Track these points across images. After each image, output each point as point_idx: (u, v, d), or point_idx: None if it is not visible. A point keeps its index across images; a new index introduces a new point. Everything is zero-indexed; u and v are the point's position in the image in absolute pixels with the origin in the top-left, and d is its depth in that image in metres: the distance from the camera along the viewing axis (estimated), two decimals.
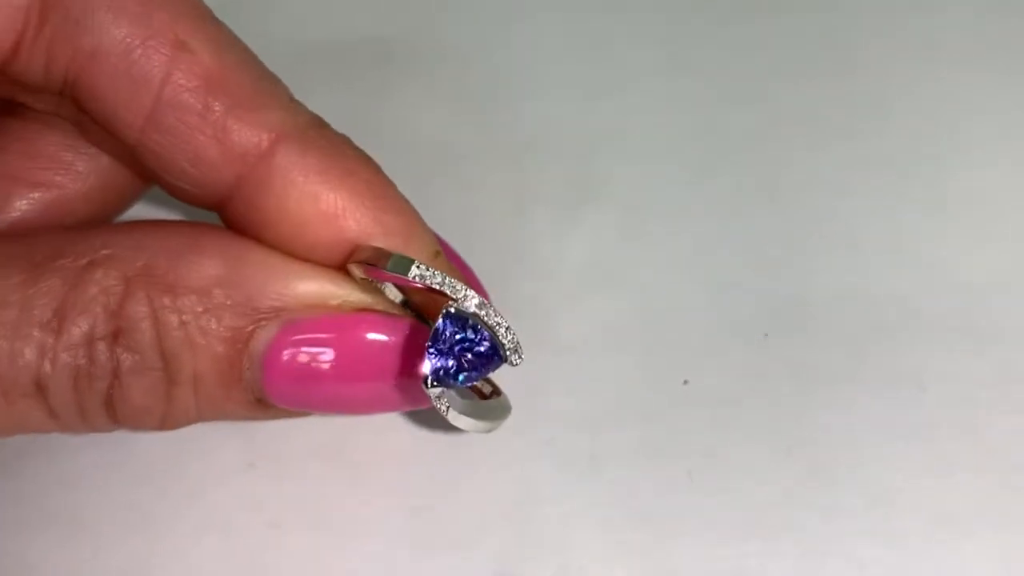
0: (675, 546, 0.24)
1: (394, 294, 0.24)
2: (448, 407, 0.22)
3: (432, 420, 0.26)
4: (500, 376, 0.25)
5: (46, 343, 0.21)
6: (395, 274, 0.21)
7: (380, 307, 0.23)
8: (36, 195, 0.24)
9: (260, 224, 0.23)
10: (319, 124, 0.23)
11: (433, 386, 0.21)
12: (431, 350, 0.21)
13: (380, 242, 0.22)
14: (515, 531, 0.24)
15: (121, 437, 0.26)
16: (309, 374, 0.22)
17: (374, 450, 0.26)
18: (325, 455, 0.26)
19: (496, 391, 0.25)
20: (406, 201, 0.23)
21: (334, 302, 0.22)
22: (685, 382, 0.27)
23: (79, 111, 0.23)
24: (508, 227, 0.29)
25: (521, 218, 0.29)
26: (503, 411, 0.24)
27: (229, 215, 0.23)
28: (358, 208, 0.22)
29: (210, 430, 0.26)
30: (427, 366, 0.21)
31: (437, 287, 0.21)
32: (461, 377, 0.22)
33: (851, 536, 0.24)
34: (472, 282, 0.25)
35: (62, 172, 0.25)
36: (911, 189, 0.30)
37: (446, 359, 0.21)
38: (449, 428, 0.23)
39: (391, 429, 0.26)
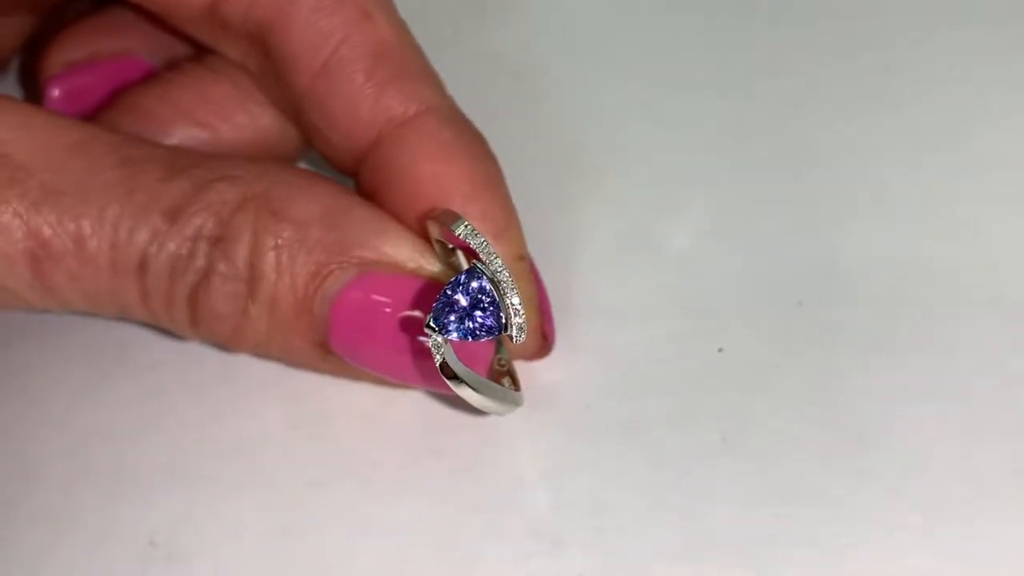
0: (710, 509, 0.24)
1: None
2: (443, 357, 0.22)
3: None
4: None
5: (160, 229, 0.23)
6: (451, 232, 0.22)
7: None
8: (196, 131, 0.27)
9: (384, 182, 0.25)
10: (462, 113, 0.26)
11: (431, 331, 0.22)
12: (443, 298, 0.22)
13: (476, 225, 0.23)
14: (552, 494, 0.25)
15: (163, 394, 0.26)
16: (369, 325, 0.23)
17: (415, 414, 0.26)
18: (367, 417, 0.26)
19: (514, 382, 0.25)
20: (511, 202, 0.25)
21: (411, 265, 0.24)
22: (720, 350, 0.27)
23: (263, 58, 0.26)
24: (541, 195, 0.29)
25: (555, 186, 0.29)
26: (509, 399, 0.24)
27: (361, 176, 0.26)
28: (470, 190, 0.24)
29: (253, 390, 0.26)
30: (432, 311, 0.22)
31: (473, 246, 0.22)
32: (459, 329, 0.22)
33: (883, 500, 0.24)
34: (542, 298, 0.26)
35: (223, 119, 0.27)
36: (945, 156, 0.30)
37: (450, 309, 0.22)
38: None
39: (432, 394, 0.26)
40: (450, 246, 0.24)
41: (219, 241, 0.23)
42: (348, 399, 0.26)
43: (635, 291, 0.28)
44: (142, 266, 0.23)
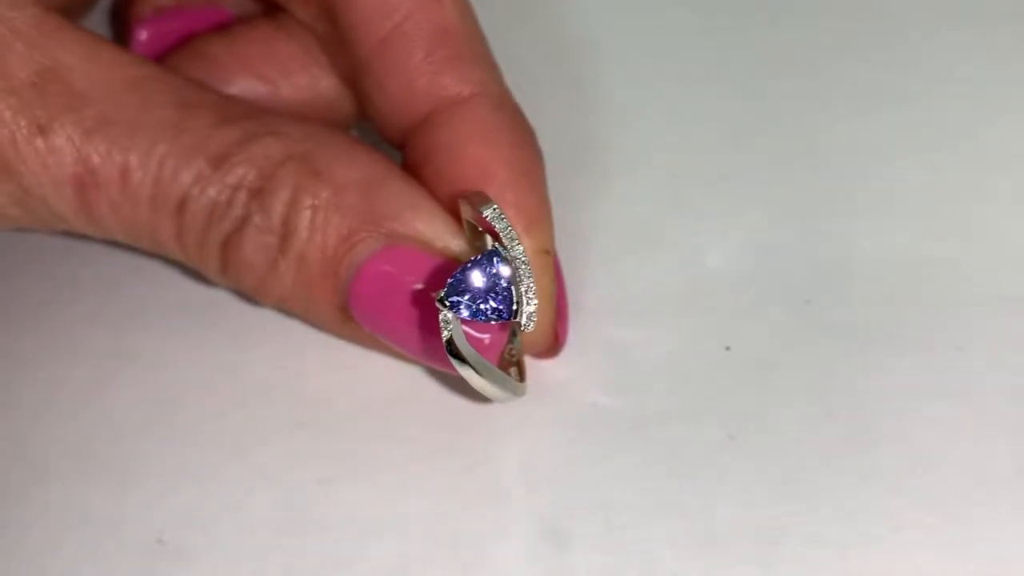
0: (716, 506, 0.24)
1: None
2: (451, 334, 0.22)
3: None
4: None
5: (204, 173, 0.24)
6: (479, 213, 0.22)
7: None
8: (256, 84, 0.28)
9: (427, 158, 0.25)
10: (515, 103, 0.26)
11: (443, 304, 0.22)
12: (458, 274, 0.22)
13: (510, 213, 0.24)
14: (560, 490, 0.25)
15: (171, 392, 0.26)
16: (390, 296, 0.24)
17: (422, 412, 0.26)
18: (374, 416, 0.26)
19: (521, 377, 0.25)
20: (547, 196, 0.25)
21: (439, 244, 0.24)
22: (727, 348, 0.27)
23: (330, 24, 0.26)
24: (551, 189, 0.28)
25: (562, 184, 0.29)
26: (510, 387, 0.24)
27: (408, 149, 0.26)
28: (509, 178, 0.24)
29: (260, 389, 0.26)
30: (445, 287, 0.22)
31: (496, 229, 0.22)
32: (469, 305, 0.22)
33: (890, 498, 0.24)
34: (560, 297, 0.26)
35: (284, 76, 0.28)
36: (953, 153, 0.30)
37: (466, 286, 0.22)
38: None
39: (440, 392, 0.26)
40: (479, 228, 0.24)
41: (259, 193, 0.24)
42: (355, 398, 0.26)
43: (642, 289, 0.28)
44: (181, 206, 0.24)
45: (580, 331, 0.27)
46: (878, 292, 0.27)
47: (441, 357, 0.23)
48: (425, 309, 0.24)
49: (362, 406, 0.26)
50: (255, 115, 0.25)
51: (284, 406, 0.26)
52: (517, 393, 0.24)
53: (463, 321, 0.23)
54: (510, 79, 0.26)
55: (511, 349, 0.25)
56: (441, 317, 0.22)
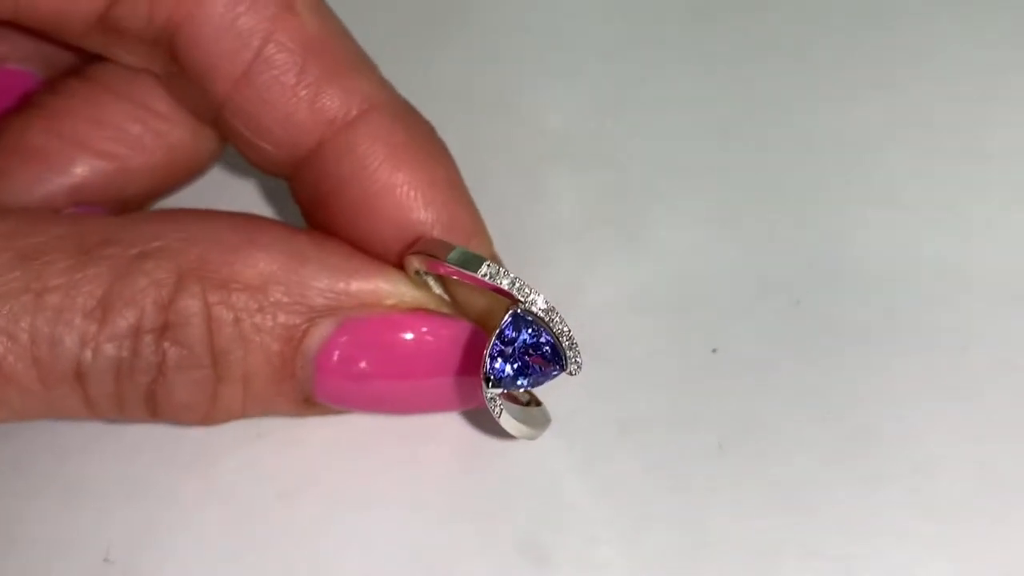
0: (706, 517, 0.24)
1: (440, 292, 0.24)
2: (502, 410, 0.22)
3: None
4: None
5: (88, 332, 0.21)
6: (460, 268, 0.21)
7: (432, 306, 0.23)
8: (99, 164, 0.25)
9: (329, 195, 0.23)
10: (407, 105, 0.24)
11: (493, 387, 0.21)
12: (494, 350, 0.21)
13: (442, 234, 0.23)
14: (540, 502, 0.24)
15: None
16: (362, 373, 0.22)
17: (388, 420, 0.25)
18: (337, 424, 0.25)
19: (534, 400, 0.24)
20: (472, 202, 0.24)
21: (389, 301, 0.22)
22: (714, 350, 0.26)
23: (170, 63, 0.23)
24: (529, 190, 0.28)
25: (543, 181, 0.29)
26: (545, 420, 0.24)
27: (298, 184, 0.24)
28: (433, 196, 0.23)
29: None
30: (487, 366, 0.21)
31: (505, 288, 0.21)
32: (521, 380, 0.21)
33: (891, 505, 0.24)
34: None
35: (128, 144, 0.25)
36: (949, 146, 0.29)
37: (508, 361, 0.21)
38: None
39: None
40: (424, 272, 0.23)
41: (166, 330, 0.21)
42: None
43: (626, 288, 0.27)
44: (79, 376, 0.21)
45: None
46: (873, 290, 0.27)
47: (436, 402, 0.23)
48: (408, 367, 0.23)
49: (325, 418, 0.25)
50: (114, 232, 0.21)
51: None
52: (549, 421, 0.24)
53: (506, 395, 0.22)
54: (489, 71, 0.25)
55: None
56: (487, 396, 0.21)
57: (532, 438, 0.23)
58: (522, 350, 0.21)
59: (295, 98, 0.23)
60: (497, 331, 0.21)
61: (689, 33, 0.32)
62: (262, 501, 0.24)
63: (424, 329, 0.22)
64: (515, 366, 0.21)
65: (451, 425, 0.25)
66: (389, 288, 0.22)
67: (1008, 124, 0.29)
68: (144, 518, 0.24)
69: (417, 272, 0.23)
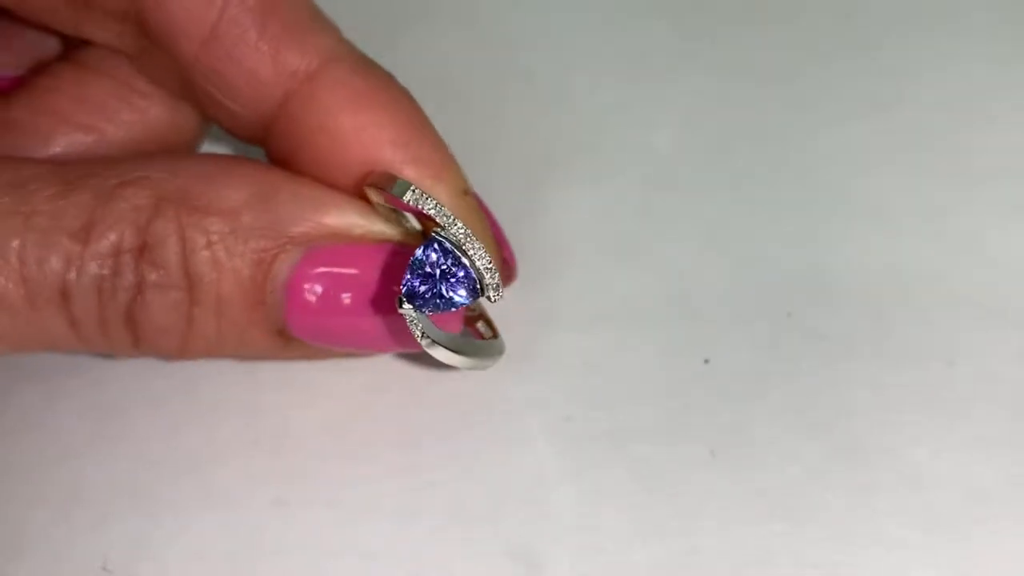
0: (697, 526, 0.23)
1: (415, 227, 0.24)
2: (423, 333, 0.22)
3: (444, 396, 0.25)
4: (520, 347, 0.25)
5: (73, 252, 0.21)
6: (395, 197, 0.22)
7: (399, 238, 0.23)
8: (79, 136, 0.25)
9: (299, 149, 0.23)
10: (366, 57, 0.24)
11: (406, 307, 0.21)
12: (409, 272, 0.21)
13: (411, 174, 0.23)
14: (532, 510, 0.24)
15: (119, 408, 0.25)
16: (330, 301, 0.23)
17: (384, 426, 0.25)
18: (333, 432, 0.25)
19: (495, 334, 0.25)
20: (441, 139, 0.24)
21: (358, 231, 0.23)
22: (706, 361, 0.26)
23: (140, 37, 0.24)
24: (524, 202, 0.28)
25: (538, 192, 0.29)
26: (493, 351, 0.24)
27: (272, 146, 0.24)
28: (397, 135, 0.23)
29: (213, 405, 0.25)
30: (404, 287, 0.21)
31: (428, 212, 0.22)
32: (435, 302, 0.22)
33: (879, 516, 0.23)
34: (496, 232, 0.25)
35: (107, 119, 0.25)
36: (937, 163, 0.29)
37: (421, 281, 0.22)
38: (459, 402, 0.24)
39: (403, 405, 0.25)
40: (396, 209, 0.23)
41: (144, 251, 0.22)
42: (312, 413, 0.25)
43: (618, 300, 0.27)
44: (64, 295, 0.22)
45: (553, 343, 0.26)
46: (863, 304, 0.27)
47: (408, 340, 0.22)
48: (370, 300, 0.23)
49: (320, 422, 0.25)
50: (97, 168, 0.22)
51: (237, 423, 0.25)
52: (500, 352, 0.24)
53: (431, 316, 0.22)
54: (480, 90, 0.25)
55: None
56: (406, 315, 0.22)
57: (470, 367, 0.23)
58: (439, 273, 0.21)
59: (258, 52, 0.23)
60: (416, 254, 0.21)
61: (681, 52, 0.31)
62: (257, 507, 0.24)
63: (389, 259, 0.23)
64: (427, 287, 0.21)
65: (446, 432, 0.25)
66: (359, 220, 0.23)
67: (994, 144, 0.29)
68: (142, 527, 0.24)
69: (382, 206, 0.23)
